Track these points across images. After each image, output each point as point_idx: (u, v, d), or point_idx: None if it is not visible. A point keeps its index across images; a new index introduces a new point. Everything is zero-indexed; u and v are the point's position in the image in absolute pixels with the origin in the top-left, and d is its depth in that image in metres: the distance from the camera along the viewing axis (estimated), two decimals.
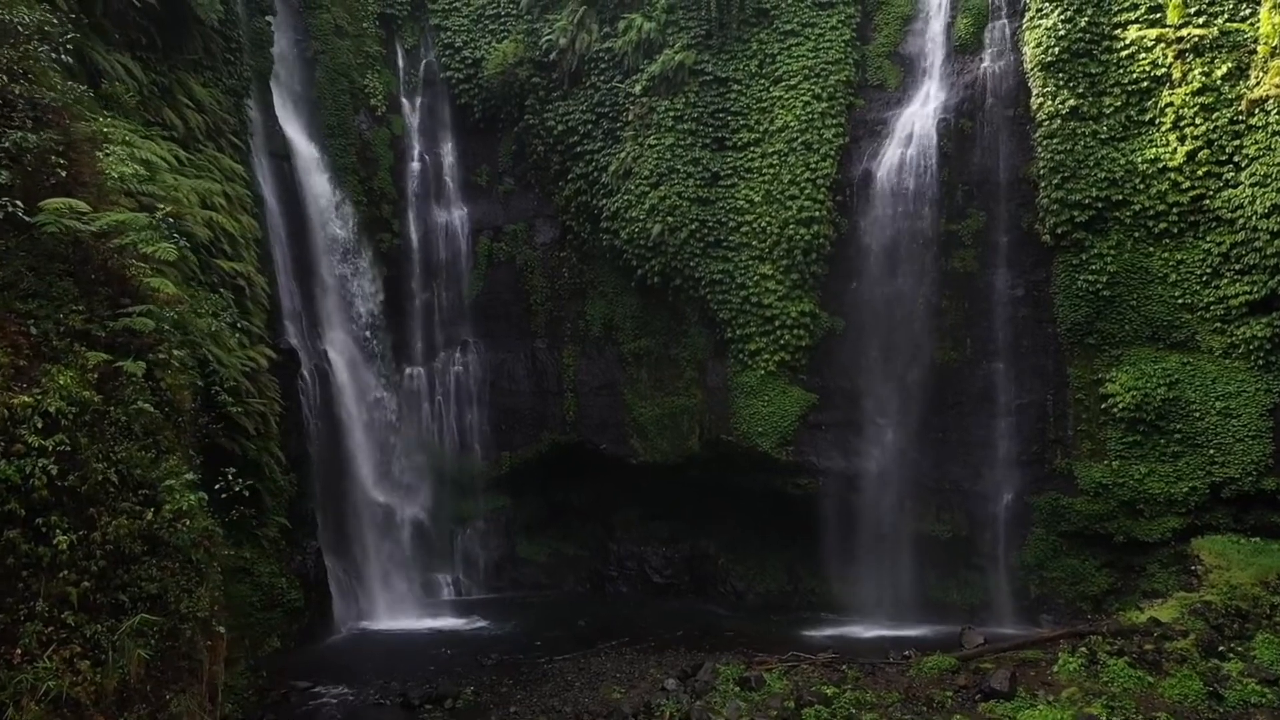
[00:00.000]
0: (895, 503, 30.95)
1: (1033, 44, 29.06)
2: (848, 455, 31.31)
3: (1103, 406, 28.29)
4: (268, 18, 31.18)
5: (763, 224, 31.38)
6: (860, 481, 31.21)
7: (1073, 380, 28.99)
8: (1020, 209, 29.67)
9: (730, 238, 31.74)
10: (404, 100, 36.39)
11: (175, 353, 12.48)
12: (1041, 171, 28.81)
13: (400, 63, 36.58)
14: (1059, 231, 28.62)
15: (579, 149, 34.19)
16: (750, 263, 31.44)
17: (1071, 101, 28.40)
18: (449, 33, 36.25)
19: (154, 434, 11.81)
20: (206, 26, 25.50)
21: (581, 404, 35.00)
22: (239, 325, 23.60)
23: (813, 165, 31.17)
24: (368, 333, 33.02)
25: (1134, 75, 27.99)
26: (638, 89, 33.05)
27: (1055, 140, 28.56)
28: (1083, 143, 28.31)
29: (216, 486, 14.01)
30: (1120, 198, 28.00)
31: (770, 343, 31.23)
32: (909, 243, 30.47)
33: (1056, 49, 28.53)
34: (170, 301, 13.26)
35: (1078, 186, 28.29)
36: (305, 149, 31.92)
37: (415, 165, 36.08)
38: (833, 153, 31.19)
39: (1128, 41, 28.08)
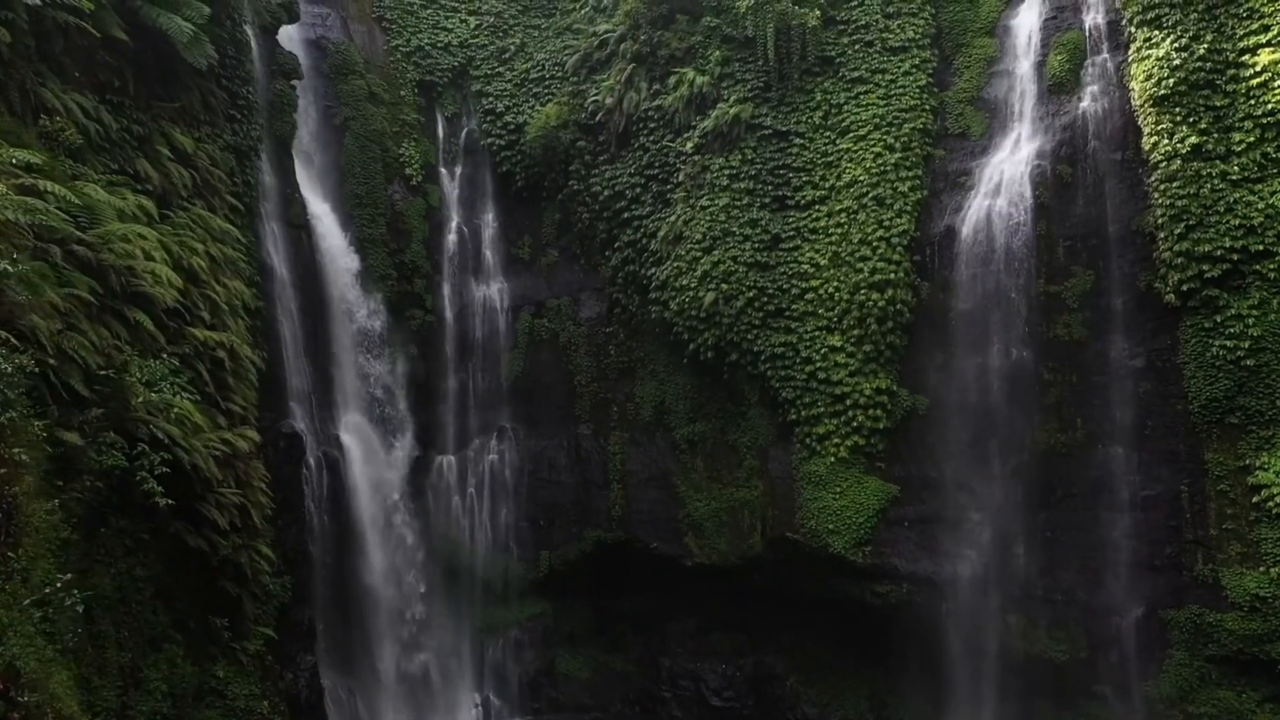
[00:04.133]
0: (997, 615, 26.66)
1: (1141, 77, 25.21)
2: (937, 557, 27.02)
3: (1254, 500, 23.27)
4: (292, 81, 29.29)
5: (830, 289, 27.88)
6: (953, 589, 26.98)
7: (1212, 467, 24.09)
8: (1135, 265, 25.46)
9: (793, 306, 28.32)
10: (442, 170, 34.08)
11: None
12: (1160, 221, 24.61)
13: (440, 131, 34.43)
14: (1186, 289, 24.17)
15: (626, 214, 31.28)
16: (816, 333, 27.92)
17: (1193, 139, 24.30)
18: (491, 98, 34.12)
19: None
20: (206, 79, 23.33)
21: (629, 497, 31.20)
22: (219, 403, 20.75)
23: (886, 222, 27.57)
24: (390, 417, 29.92)
25: (1269, 106, 23.81)
26: (689, 147, 30.19)
27: (1175, 184, 24.40)
28: (1209, 185, 24.07)
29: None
30: (1261, 248, 23.52)
31: (841, 425, 27.47)
32: (1002, 307, 26.63)
33: (1171, 81, 24.63)
34: None
35: (1206, 236, 23.93)
36: (327, 218, 29.62)
37: (452, 237, 33.50)
38: (909, 208, 27.65)
39: (1258, 68, 23.97)
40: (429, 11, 34.47)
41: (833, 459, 27.53)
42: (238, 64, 25.25)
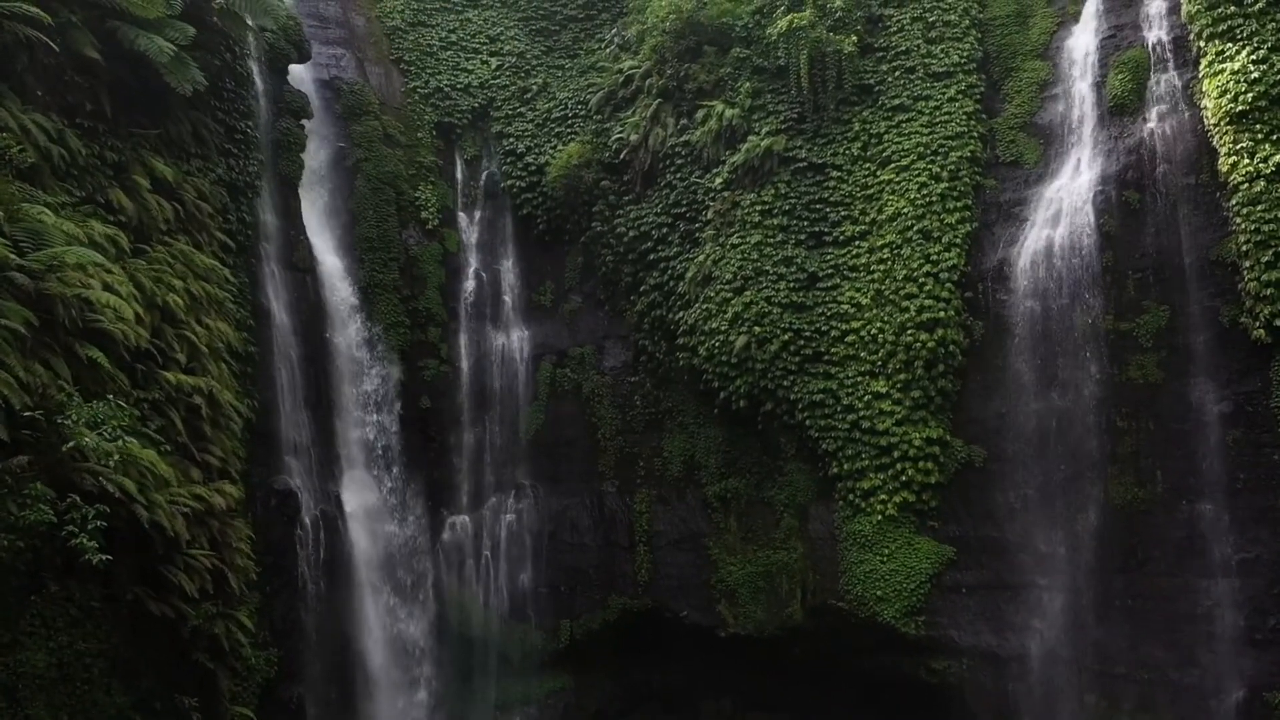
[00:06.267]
0: (1072, 696, 23.57)
1: (1215, 93, 22.95)
2: (1000, 629, 24.32)
3: None
4: (302, 121, 28.04)
5: (873, 331, 25.71)
6: (1020, 665, 24.10)
7: None
8: (1216, 298, 22.89)
9: (833, 350, 26.19)
10: (461, 214, 32.46)
11: None
12: (1244, 249, 22.12)
13: (459, 174, 32.91)
14: (1277, 324, 21.45)
15: (652, 256, 29.41)
16: (859, 379, 25.67)
17: (1278, 158, 21.86)
18: (512, 139, 32.58)
19: None
20: (199, 110, 21.97)
21: (657, 560, 28.80)
22: (194, 455, 18.86)
23: (933, 257, 25.41)
24: (398, 474, 27.85)
25: None
26: (718, 183, 28.40)
27: (1260, 208, 21.95)
28: None
29: None
30: None
31: (888, 479, 25.01)
32: (1066, 347, 24.19)
33: (1249, 96, 22.36)
34: None
35: None
36: (334, 263, 28.03)
37: (470, 283, 31.72)
38: (958, 240, 25.51)
39: None
40: (449, 53, 33.24)
41: (879, 517, 24.95)
42: (236, 97, 23.98)
